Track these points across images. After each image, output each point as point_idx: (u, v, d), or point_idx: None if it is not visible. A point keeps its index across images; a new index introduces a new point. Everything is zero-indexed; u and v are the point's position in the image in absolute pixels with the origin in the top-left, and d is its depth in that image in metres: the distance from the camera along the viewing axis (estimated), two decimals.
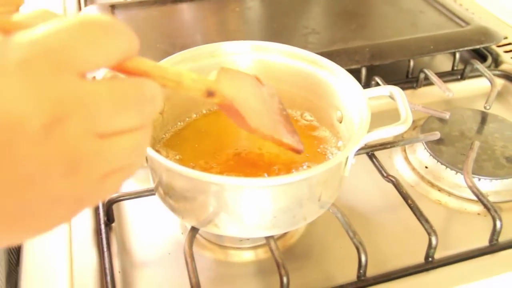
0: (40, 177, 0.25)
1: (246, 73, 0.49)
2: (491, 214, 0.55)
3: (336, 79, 0.55)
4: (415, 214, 0.54)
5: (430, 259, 0.53)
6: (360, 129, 0.48)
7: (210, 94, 0.39)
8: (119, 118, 0.27)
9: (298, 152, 0.50)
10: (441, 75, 0.78)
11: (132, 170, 0.30)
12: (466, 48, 0.81)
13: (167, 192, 0.50)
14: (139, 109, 0.28)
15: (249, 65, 0.59)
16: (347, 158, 0.48)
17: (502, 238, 0.55)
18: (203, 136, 0.57)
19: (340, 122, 0.55)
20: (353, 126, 0.51)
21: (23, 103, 0.23)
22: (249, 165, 0.54)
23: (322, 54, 0.57)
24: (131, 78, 0.29)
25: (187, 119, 0.59)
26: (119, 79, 0.28)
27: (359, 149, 0.62)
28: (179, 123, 0.58)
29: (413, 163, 0.66)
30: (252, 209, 0.47)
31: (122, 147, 0.28)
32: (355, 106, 0.52)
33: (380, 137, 0.50)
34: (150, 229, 0.58)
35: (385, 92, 0.55)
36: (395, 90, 0.54)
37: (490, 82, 0.76)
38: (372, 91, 0.55)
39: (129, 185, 0.62)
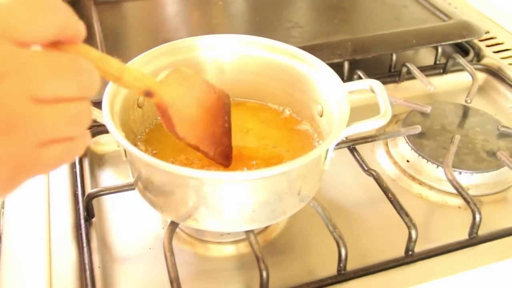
0: None
1: (200, 78, 0.50)
2: (470, 208, 0.55)
3: (317, 73, 0.55)
4: (395, 208, 0.54)
5: (410, 252, 0.53)
6: (339, 123, 0.48)
7: (148, 94, 0.41)
8: (56, 83, 0.29)
9: (224, 166, 0.51)
10: (423, 69, 0.78)
11: (73, 148, 0.31)
12: (448, 42, 0.81)
13: (146, 187, 0.49)
14: (75, 78, 0.30)
15: (229, 59, 0.59)
16: (327, 151, 0.48)
17: (482, 231, 0.55)
18: None
19: (321, 116, 0.55)
20: (333, 120, 0.51)
21: None
22: None
23: (305, 48, 0.57)
24: (69, 53, 0.31)
25: None
26: (56, 51, 0.30)
27: (341, 143, 0.63)
28: (159, 118, 0.58)
29: (395, 157, 0.67)
30: (231, 203, 0.46)
31: (58, 114, 0.29)
32: (335, 99, 0.52)
33: (360, 131, 0.50)
34: (130, 224, 0.57)
35: (365, 86, 0.54)
36: (375, 83, 0.54)
37: (472, 76, 0.77)
38: (352, 84, 0.55)
39: (109, 180, 0.62)
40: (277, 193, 0.47)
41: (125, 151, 0.49)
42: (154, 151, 0.54)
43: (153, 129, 0.57)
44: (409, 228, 0.52)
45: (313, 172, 0.49)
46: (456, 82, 0.81)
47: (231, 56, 0.59)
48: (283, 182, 0.46)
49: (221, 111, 0.52)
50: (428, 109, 0.70)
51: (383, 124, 0.50)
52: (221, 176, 0.44)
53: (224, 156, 0.51)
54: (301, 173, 0.47)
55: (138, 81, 0.39)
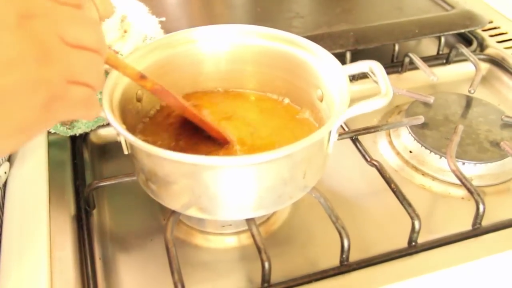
0: (18, 60, 0.30)
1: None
2: (474, 198, 0.55)
3: (315, 58, 0.55)
4: (398, 199, 0.54)
5: (413, 243, 0.53)
6: (341, 104, 0.47)
7: (143, 76, 0.46)
8: (79, 29, 0.33)
9: (225, 141, 0.53)
10: (426, 59, 0.77)
11: (92, 97, 0.36)
12: (451, 32, 0.80)
13: (149, 178, 0.49)
14: (95, 31, 0.35)
15: (227, 49, 0.59)
16: (330, 133, 0.48)
17: (485, 222, 0.55)
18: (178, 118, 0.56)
19: (321, 101, 0.55)
20: (334, 103, 0.50)
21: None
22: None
23: (306, 38, 0.57)
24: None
25: (165, 105, 0.58)
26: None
27: (343, 134, 0.62)
28: (156, 110, 0.57)
29: (398, 147, 0.66)
30: (237, 189, 0.46)
31: (82, 58, 0.34)
32: (335, 83, 0.51)
33: (362, 112, 0.49)
34: (131, 215, 0.57)
35: (364, 68, 0.54)
36: (374, 64, 0.53)
37: (475, 66, 0.76)
38: (352, 67, 0.54)
39: (110, 171, 0.62)
40: (282, 177, 0.46)
41: (126, 144, 0.49)
42: (159, 142, 0.53)
43: (151, 122, 0.56)
44: (412, 218, 0.52)
45: (317, 155, 0.49)
46: (459, 72, 0.81)
47: (229, 46, 0.58)
48: (288, 166, 0.46)
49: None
50: (431, 100, 0.70)
51: (385, 104, 0.49)
52: (226, 161, 0.44)
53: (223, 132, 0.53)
54: (305, 155, 0.46)
55: (129, 67, 0.44)
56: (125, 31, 0.59)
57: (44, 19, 0.31)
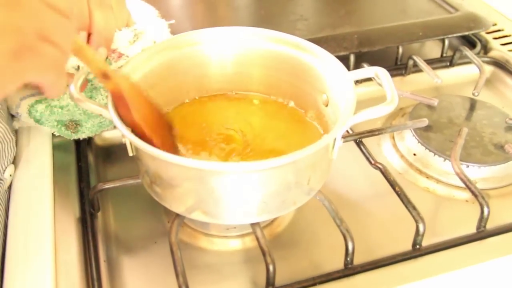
0: None
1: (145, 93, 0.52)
2: (478, 201, 0.55)
3: (321, 62, 0.55)
4: (403, 201, 0.54)
5: (417, 246, 0.53)
6: (346, 110, 0.47)
7: (105, 75, 0.46)
8: None
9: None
10: (430, 62, 0.77)
11: (59, 58, 0.36)
12: (455, 35, 0.80)
13: (154, 181, 0.49)
14: None
15: (232, 52, 0.59)
16: (335, 140, 0.48)
17: (490, 225, 0.55)
18: (188, 125, 0.56)
19: (326, 106, 0.55)
20: (339, 109, 0.50)
21: None
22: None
23: (310, 40, 0.57)
24: None
25: (171, 108, 0.58)
26: None
27: (347, 136, 0.62)
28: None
29: (402, 150, 0.66)
30: (242, 195, 0.46)
31: (52, 16, 0.34)
32: (341, 88, 0.51)
33: (367, 118, 0.49)
34: (136, 218, 0.57)
35: (370, 74, 0.54)
36: (380, 71, 0.53)
37: (479, 69, 0.76)
38: (357, 72, 0.54)
39: (114, 174, 0.62)
40: (287, 183, 0.47)
41: (131, 146, 0.49)
42: None
43: None
44: (416, 221, 0.52)
45: (322, 161, 0.49)
46: (463, 74, 0.81)
47: (234, 48, 0.59)
48: (293, 172, 0.46)
49: (166, 127, 0.54)
50: (435, 102, 0.70)
51: (390, 111, 0.49)
52: (231, 167, 0.44)
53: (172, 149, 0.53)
54: (310, 162, 0.47)
55: (96, 61, 0.45)
56: (135, 38, 0.59)
57: None
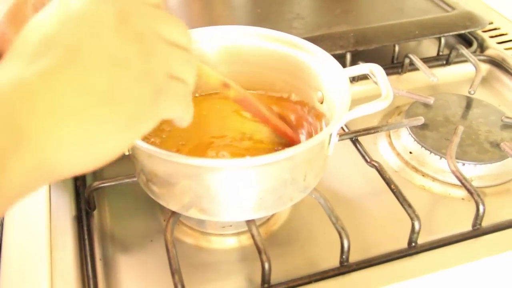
0: (122, 57, 0.31)
1: None
2: (474, 199, 0.55)
3: (315, 60, 0.55)
4: (398, 199, 0.54)
5: (413, 244, 0.53)
6: (341, 107, 0.47)
7: (225, 85, 0.47)
8: (171, 26, 0.35)
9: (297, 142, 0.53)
10: (426, 60, 0.77)
11: (188, 92, 0.37)
12: (451, 33, 0.80)
13: (150, 179, 0.49)
14: (184, 28, 0.36)
15: (228, 50, 0.59)
16: (330, 136, 0.48)
17: (485, 223, 0.55)
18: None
19: (321, 103, 0.55)
20: (335, 106, 0.50)
21: (96, 4, 0.32)
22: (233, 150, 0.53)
23: (307, 39, 0.57)
24: None
25: None
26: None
27: (343, 134, 0.62)
28: None
29: (398, 148, 0.66)
30: (237, 191, 0.46)
31: (177, 54, 0.35)
32: (336, 85, 0.51)
33: (362, 114, 0.49)
34: (131, 216, 0.57)
35: (364, 70, 0.54)
36: (375, 67, 0.53)
37: (475, 67, 0.76)
38: (352, 69, 0.54)
39: (110, 172, 0.62)
40: (283, 179, 0.47)
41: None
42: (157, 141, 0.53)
43: None
44: (412, 219, 0.52)
45: (318, 158, 0.49)
46: (459, 73, 0.81)
47: (230, 47, 0.58)
48: (289, 168, 0.46)
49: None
50: (431, 101, 0.70)
51: (385, 107, 0.49)
52: (227, 163, 0.44)
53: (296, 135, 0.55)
54: (306, 158, 0.47)
55: (215, 75, 0.46)
56: None
57: (140, 17, 0.33)
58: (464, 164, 0.61)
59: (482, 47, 0.85)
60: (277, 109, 0.58)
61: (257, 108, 0.51)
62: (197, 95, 0.60)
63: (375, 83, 0.55)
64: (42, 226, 0.53)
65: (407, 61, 0.78)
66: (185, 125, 0.40)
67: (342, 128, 0.65)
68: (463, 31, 0.81)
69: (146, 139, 0.53)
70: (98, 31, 0.31)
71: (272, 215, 0.57)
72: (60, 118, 0.29)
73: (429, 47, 0.86)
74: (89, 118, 0.30)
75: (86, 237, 0.53)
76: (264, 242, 0.48)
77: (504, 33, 0.87)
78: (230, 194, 0.47)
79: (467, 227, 0.55)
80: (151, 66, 0.33)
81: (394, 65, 0.79)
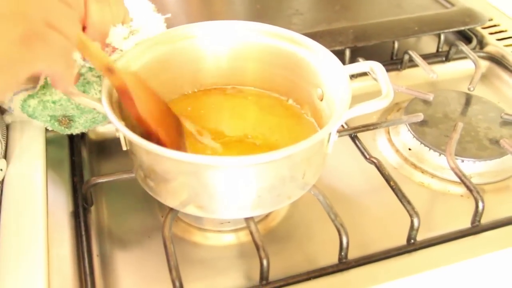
0: None
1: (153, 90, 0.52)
2: (473, 196, 0.55)
3: (315, 56, 0.54)
4: (397, 196, 0.54)
5: (412, 241, 0.53)
6: (341, 105, 0.47)
7: (109, 70, 0.45)
8: None
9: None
10: (426, 57, 0.77)
11: (67, 45, 0.36)
12: (450, 30, 0.80)
13: (148, 175, 0.49)
14: None
15: (227, 46, 0.58)
16: (330, 134, 0.48)
17: (484, 220, 0.55)
18: (182, 120, 0.56)
19: (321, 100, 0.54)
20: (334, 103, 0.50)
21: None
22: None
23: (306, 35, 0.56)
24: None
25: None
26: None
27: (342, 131, 0.62)
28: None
29: (397, 145, 0.66)
30: (236, 189, 0.46)
31: (58, 5, 0.35)
32: (336, 82, 0.51)
33: (362, 113, 0.48)
34: (129, 212, 0.57)
35: (365, 68, 0.53)
36: (375, 65, 0.53)
37: (475, 64, 0.76)
38: (353, 67, 0.54)
39: (108, 168, 0.62)
40: (282, 177, 0.46)
41: (125, 140, 0.48)
42: None
43: None
44: (411, 216, 0.52)
45: (317, 156, 0.49)
46: (458, 70, 0.80)
47: (229, 43, 0.58)
48: (288, 166, 0.46)
49: (174, 121, 0.53)
50: (430, 97, 0.69)
51: (385, 105, 0.49)
52: (226, 161, 0.44)
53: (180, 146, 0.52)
54: (305, 156, 0.46)
55: (100, 56, 0.44)
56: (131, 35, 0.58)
57: None
58: (463, 161, 0.61)
59: (481, 44, 0.85)
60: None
61: (133, 105, 0.48)
62: (196, 90, 0.60)
63: (374, 79, 0.54)
64: (39, 222, 0.52)
65: (406, 57, 0.77)
66: (64, 89, 0.39)
67: (341, 124, 0.64)
68: (462, 28, 0.81)
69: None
70: None
71: (271, 212, 0.57)
72: None
73: (429, 44, 0.85)
74: None
75: (83, 233, 0.53)
76: (263, 239, 0.48)
77: (504, 29, 0.87)
78: (228, 192, 0.46)
79: (466, 224, 0.55)
80: (27, 7, 0.32)
81: (394, 61, 0.79)
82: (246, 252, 0.53)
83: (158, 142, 0.48)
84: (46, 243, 0.51)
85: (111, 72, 0.46)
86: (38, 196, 0.55)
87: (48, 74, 0.38)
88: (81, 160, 0.61)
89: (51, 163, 0.60)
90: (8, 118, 0.62)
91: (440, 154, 0.62)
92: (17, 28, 0.32)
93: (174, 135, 0.52)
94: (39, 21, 0.34)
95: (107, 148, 0.65)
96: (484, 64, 0.81)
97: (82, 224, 0.53)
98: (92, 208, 0.57)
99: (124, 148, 0.49)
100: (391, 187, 0.55)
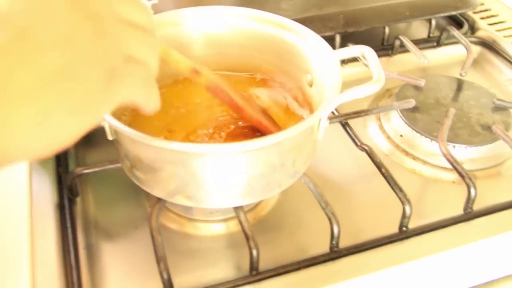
0: (74, 36, 0.29)
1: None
2: (465, 182, 0.54)
3: (305, 42, 0.53)
4: (389, 183, 0.53)
5: (404, 228, 0.52)
6: (332, 90, 0.46)
7: (195, 71, 0.46)
8: (130, 6, 0.34)
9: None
10: (417, 42, 0.76)
11: (148, 74, 0.35)
12: (442, 14, 0.79)
13: (134, 165, 0.47)
14: (145, 9, 0.35)
15: (215, 31, 0.57)
16: (320, 120, 0.47)
17: (477, 206, 0.54)
18: (170, 107, 0.55)
19: (311, 86, 0.53)
20: (325, 89, 0.49)
21: None
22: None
23: (295, 20, 0.55)
24: None
25: None
26: None
27: (333, 118, 0.61)
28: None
29: (388, 131, 0.65)
30: (224, 177, 0.45)
31: (135, 34, 0.34)
32: (326, 67, 0.50)
33: (353, 98, 0.48)
34: (116, 203, 0.56)
35: (356, 53, 0.53)
36: (366, 50, 0.52)
37: (466, 49, 0.75)
38: (343, 51, 0.53)
39: (94, 157, 0.60)
40: (271, 165, 0.45)
41: (110, 129, 0.47)
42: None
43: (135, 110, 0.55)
44: (403, 203, 0.51)
45: (307, 142, 0.48)
46: (450, 55, 0.80)
47: (217, 28, 0.57)
48: (277, 153, 0.45)
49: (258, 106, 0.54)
50: (421, 83, 0.69)
51: (376, 90, 0.48)
52: (214, 149, 0.43)
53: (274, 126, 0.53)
54: (295, 143, 0.45)
55: (184, 60, 0.46)
56: None
57: None
58: (455, 147, 0.60)
59: (473, 29, 0.84)
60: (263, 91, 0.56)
61: (229, 97, 0.50)
62: (179, 79, 0.59)
63: (366, 65, 0.53)
64: (23, 213, 0.51)
65: (397, 43, 0.77)
66: (150, 112, 0.38)
67: (331, 111, 0.63)
68: (454, 12, 0.80)
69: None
70: (50, 9, 0.29)
71: (261, 201, 0.56)
72: (9, 100, 0.27)
73: (420, 29, 0.85)
74: (40, 100, 0.28)
75: (68, 225, 0.52)
76: (252, 229, 0.47)
77: (495, 14, 0.86)
78: (217, 181, 0.45)
79: (458, 210, 0.54)
80: (106, 47, 0.31)
81: (384, 47, 0.78)
82: (236, 242, 0.52)
83: (266, 127, 0.51)
84: (30, 236, 0.49)
85: (197, 73, 0.47)
86: (21, 188, 0.53)
87: (132, 105, 0.37)
88: (66, 149, 0.60)
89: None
90: None
91: (431, 140, 0.61)
92: (100, 71, 0.31)
93: (268, 116, 0.53)
94: (118, 56, 0.32)
95: (92, 137, 0.64)
96: (476, 49, 0.80)
97: (68, 215, 0.52)
98: (78, 199, 0.56)
99: (110, 138, 0.48)
100: (383, 174, 0.54)
